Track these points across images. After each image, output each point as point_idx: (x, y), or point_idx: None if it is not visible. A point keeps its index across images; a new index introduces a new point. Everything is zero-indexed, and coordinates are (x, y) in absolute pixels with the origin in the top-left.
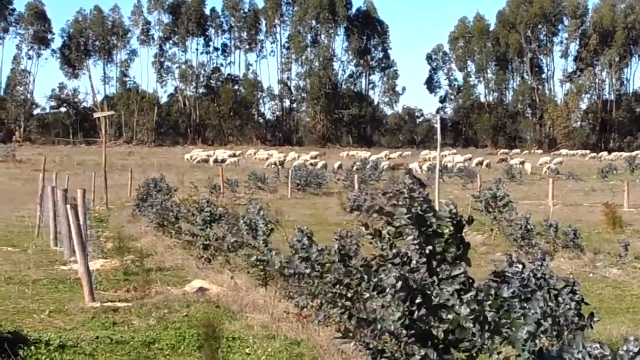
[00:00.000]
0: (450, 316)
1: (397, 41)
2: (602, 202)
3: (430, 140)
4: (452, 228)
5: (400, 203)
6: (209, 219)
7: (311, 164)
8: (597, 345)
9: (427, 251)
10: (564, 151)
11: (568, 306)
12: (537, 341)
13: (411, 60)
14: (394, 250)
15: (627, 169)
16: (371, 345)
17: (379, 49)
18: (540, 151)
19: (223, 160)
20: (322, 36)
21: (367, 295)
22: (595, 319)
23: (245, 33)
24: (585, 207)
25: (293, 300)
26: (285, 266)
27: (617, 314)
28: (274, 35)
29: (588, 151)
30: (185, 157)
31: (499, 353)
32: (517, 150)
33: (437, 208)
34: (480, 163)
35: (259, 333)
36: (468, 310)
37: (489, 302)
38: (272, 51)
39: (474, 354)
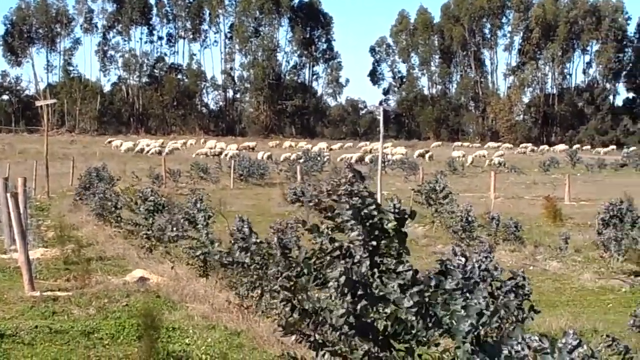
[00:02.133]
0: (387, 310)
1: (341, 33)
2: (543, 195)
3: (373, 132)
4: (395, 222)
5: (343, 200)
6: (152, 208)
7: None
8: (536, 338)
9: (371, 246)
10: (505, 145)
11: (511, 298)
12: (476, 333)
13: (355, 52)
14: (336, 244)
15: (568, 162)
16: (312, 338)
17: (323, 40)
18: (482, 144)
19: (145, 150)
20: (266, 27)
21: (314, 285)
22: (535, 312)
23: (189, 23)
24: (527, 200)
25: (234, 290)
26: (224, 256)
27: (557, 306)
28: (217, 26)
29: (530, 144)
30: (113, 144)
31: (437, 345)
32: (459, 143)
33: (379, 200)
34: (422, 155)
35: (199, 323)
36: (411, 302)
37: (430, 294)
38: (215, 41)
39: (413, 346)
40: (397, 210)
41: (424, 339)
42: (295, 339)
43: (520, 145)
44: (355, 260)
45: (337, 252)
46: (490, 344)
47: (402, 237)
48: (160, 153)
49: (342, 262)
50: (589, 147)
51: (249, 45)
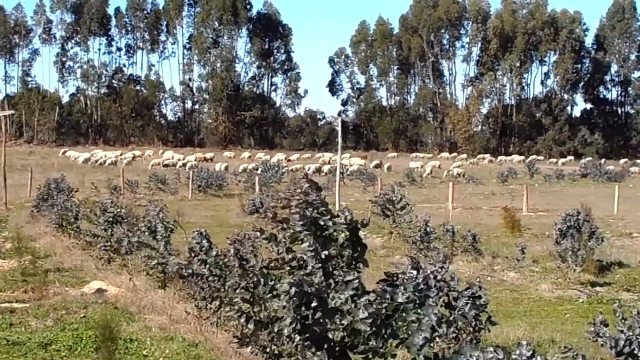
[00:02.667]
0: (345, 321)
1: (300, 44)
2: (501, 206)
3: (331, 143)
4: (347, 233)
5: (295, 210)
6: (112, 220)
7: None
8: (491, 349)
9: (323, 256)
10: (461, 155)
11: (467, 309)
12: (433, 344)
13: (314, 63)
14: (290, 255)
15: (526, 173)
16: (268, 350)
17: (282, 51)
18: (441, 155)
19: (99, 162)
20: (225, 38)
21: (269, 295)
22: (492, 323)
23: (147, 34)
24: (485, 210)
25: (192, 301)
26: (183, 268)
27: (514, 317)
28: (175, 37)
29: (488, 155)
30: (69, 155)
31: (393, 356)
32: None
33: (338, 211)
34: (377, 166)
35: (157, 334)
36: (365, 313)
37: (385, 306)
38: (173, 52)
39: (370, 357)
40: (348, 221)
41: (381, 350)
42: (251, 351)
43: (478, 156)
44: (308, 271)
45: (293, 263)
46: (445, 357)
47: (358, 248)
48: (115, 163)
49: (298, 272)
50: (541, 158)
51: (207, 56)
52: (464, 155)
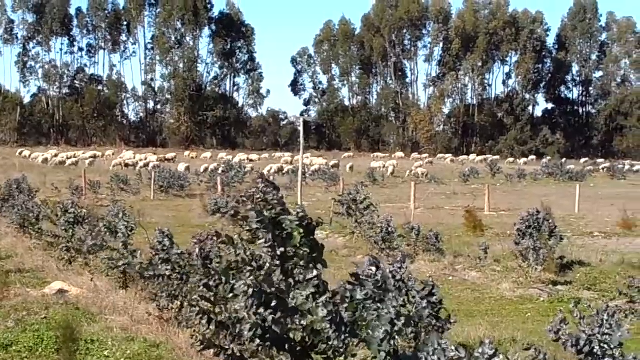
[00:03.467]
0: (304, 322)
1: (262, 44)
2: (463, 205)
3: (294, 143)
4: (301, 231)
5: (251, 207)
6: (72, 220)
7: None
8: (453, 347)
9: (279, 254)
10: (423, 155)
11: (423, 307)
12: (392, 342)
13: (277, 63)
14: (248, 254)
15: (488, 173)
16: (229, 351)
17: (244, 51)
18: (402, 155)
19: (48, 161)
20: (187, 38)
21: (230, 295)
22: (452, 321)
23: (109, 34)
24: (447, 210)
25: (154, 302)
26: (145, 268)
27: (475, 316)
28: (136, 37)
29: (450, 155)
30: (26, 154)
31: (354, 355)
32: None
33: (301, 210)
34: (336, 165)
35: (118, 335)
36: (325, 312)
37: (345, 305)
38: (134, 52)
39: (331, 356)
40: (301, 219)
41: (341, 349)
42: (213, 353)
43: (438, 156)
44: (266, 270)
45: (252, 264)
46: (406, 354)
47: (315, 246)
48: (77, 164)
49: (259, 273)
50: (498, 157)
51: (169, 56)
52: (426, 155)
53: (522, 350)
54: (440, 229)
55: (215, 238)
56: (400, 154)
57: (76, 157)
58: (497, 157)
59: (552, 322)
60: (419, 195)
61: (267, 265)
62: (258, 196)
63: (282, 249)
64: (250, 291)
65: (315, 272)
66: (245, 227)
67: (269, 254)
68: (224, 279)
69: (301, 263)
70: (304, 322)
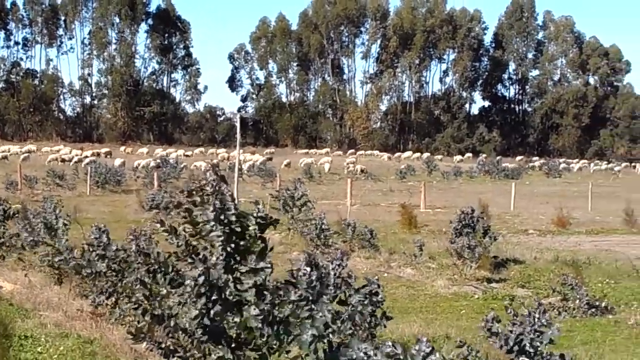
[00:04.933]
0: (237, 319)
1: (200, 40)
2: (399, 202)
3: (231, 139)
4: (257, 227)
5: (203, 199)
6: (1, 216)
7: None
8: (389, 344)
9: (229, 249)
10: (360, 152)
11: (363, 306)
12: (325, 341)
13: (214, 59)
14: (191, 247)
15: (425, 170)
16: (163, 345)
17: (181, 47)
18: (340, 153)
19: None
20: (125, 33)
21: (165, 291)
22: (387, 318)
23: (45, 28)
24: (383, 207)
25: (88, 298)
26: (82, 265)
27: (410, 313)
28: (72, 31)
29: (385, 154)
30: None
31: (287, 352)
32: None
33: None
34: (270, 159)
35: (52, 331)
36: (257, 310)
37: (278, 303)
38: (71, 47)
39: (265, 353)
40: (260, 215)
41: (275, 346)
42: (146, 347)
43: (375, 153)
44: (212, 263)
45: (195, 255)
46: (339, 352)
47: (265, 245)
48: (7, 158)
49: (200, 265)
50: (439, 156)
51: (107, 51)
52: (362, 152)
53: (455, 348)
54: (376, 226)
55: (158, 226)
56: (322, 150)
57: (10, 152)
58: (437, 156)
59: (483, 320)
60: (355, 192)
61: (214, 258)
62: (209, 188)
63: (233, 245)
64: (201, 279)
65: (262, 265)
66: (197, 219)
67: (220, 246)
68: (162, 270)
69: (253, 258)
70: (237, 319)
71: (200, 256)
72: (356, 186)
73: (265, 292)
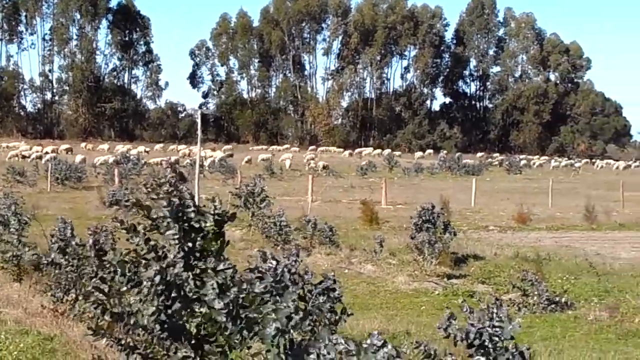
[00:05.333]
0: (203, 309)
1: (161, 36)
2: (360, 199)
3: (192, 136)
4: (214, 224)
5: (161, 196)
6: None
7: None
8: (342, 341)
9: (186, 247)
10: (321, 148)
11: (322, 302)
12: (287, 336)
13: (175, 55)
14: (151, 244)
15: (386, 166)
16: (123, 342)
17: (142, 43)
18: (299, 149)
19: None
20: (86, 29)
21: (125, 289)
22: (347, 314)
23: (5, 24)
24: (344, 203)
25: (48, 294)
26: (39, 260)
27: (371, 309)
28: (34, 27)
29: (343, 150)
30: None
31: (249, 348)
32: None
33: (197, 203)
34: (230, 155)
35: (11, 328)
36: (222, 304)
37: (242, 297)
38: (32, 43)
39: (227, 349)
40: (217, 212)
41: (236, 341)
42: (106, 343)
43: (335, 150)
44: (170, 261)
45: (152, 253)
46: (299, 348)
47: (223, 241)
48: None
49: (158, 263)
50: (400, 152)
51: (67, 47)
52: (323, 148)
53: (413, 349)
54: (337, 222)
55: (118, 225)
56: (279, 146)
57: None
58: (398, 152)
59: (441, 318)
60: (316, 189)
61: (171, 256)
62: (166, 187)
63: (190, 243)
64: (157, 278)
65: (226, 264)
66: (153, 216)
67: (175, 244)
68: (119, 270)
69: (209, 255)
70: (202, 310)
71: (158, 254)
72: (317, 182)
73: (230, 287)
